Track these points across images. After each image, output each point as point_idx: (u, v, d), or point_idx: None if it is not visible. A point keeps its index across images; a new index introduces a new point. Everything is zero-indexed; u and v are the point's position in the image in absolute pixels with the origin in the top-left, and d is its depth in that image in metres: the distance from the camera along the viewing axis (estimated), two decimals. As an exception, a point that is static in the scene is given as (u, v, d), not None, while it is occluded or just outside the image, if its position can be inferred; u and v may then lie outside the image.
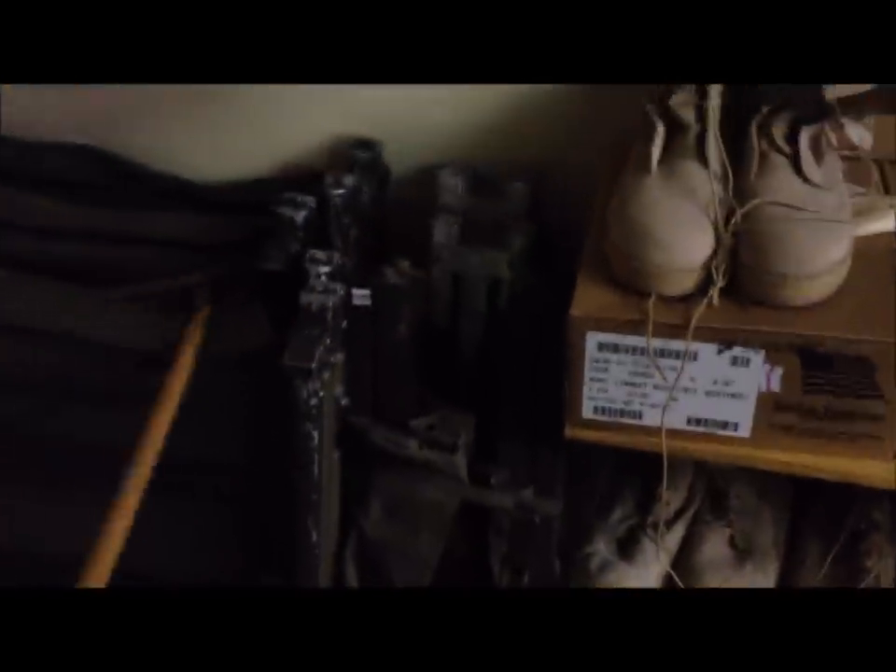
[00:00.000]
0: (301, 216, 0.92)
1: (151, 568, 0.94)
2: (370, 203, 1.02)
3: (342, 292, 0.85)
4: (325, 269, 0.88)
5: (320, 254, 0.89)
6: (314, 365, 0.81)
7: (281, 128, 1.08)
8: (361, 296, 0.88)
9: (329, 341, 0.84)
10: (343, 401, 0.90)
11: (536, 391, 0.88)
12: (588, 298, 0.77)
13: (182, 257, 1.04)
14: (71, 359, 0.97)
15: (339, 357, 0.87)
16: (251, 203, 1.04)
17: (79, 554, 0.73)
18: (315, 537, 0.87)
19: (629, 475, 0.96)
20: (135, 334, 0.99)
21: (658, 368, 0.74)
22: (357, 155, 1.01)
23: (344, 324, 0.87)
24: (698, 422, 0.78)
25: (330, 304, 0.84)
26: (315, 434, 0.84)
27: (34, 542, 0.96)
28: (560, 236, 0.97)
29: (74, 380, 0.97)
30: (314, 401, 0.83)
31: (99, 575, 0.70)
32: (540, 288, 0.92)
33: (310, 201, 0.94)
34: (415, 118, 1.05)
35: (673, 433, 0.78)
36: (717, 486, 0.96)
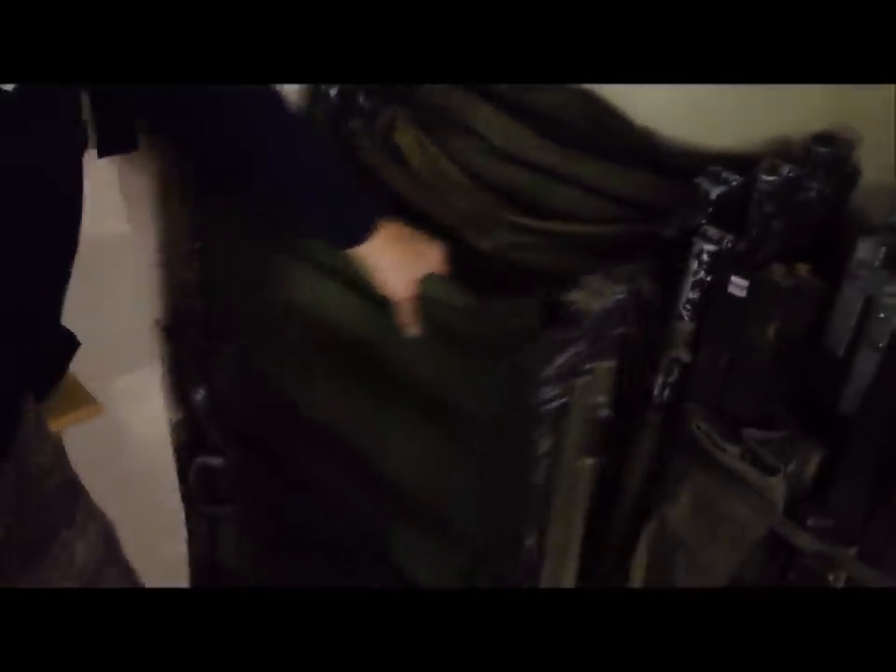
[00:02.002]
0: (716, 191, 0.89)
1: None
2: (816, 200, 0.94)
3: (619, 295, 0.80)
4: (710, 247, 0.84)
5: (713, 231, 0.85)
6: (550, 372, 0.77)
7: (774, 110, 1.03)
8: (738, 285, 0.83)
9: (586, 346, 0.78)
10: (603, 412, 0.84)
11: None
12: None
13: (620, 210, 1.07)
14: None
15: (604, 365, 0.81)
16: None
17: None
18: (528, 542, 0.85)
19: None
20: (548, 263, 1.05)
21: None
22: (815, 149, 0.94)
23: (621, 330, 0.81)
24: None
25: (595, 308, 0.79)
26: (546, 442, 0.81)
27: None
28: None
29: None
30: (548, 408, 0.80)
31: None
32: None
33: (734, 179, 0.90)
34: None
35: None
36: None
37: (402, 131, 1.14)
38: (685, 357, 0.88)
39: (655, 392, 0.89)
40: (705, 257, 0.85)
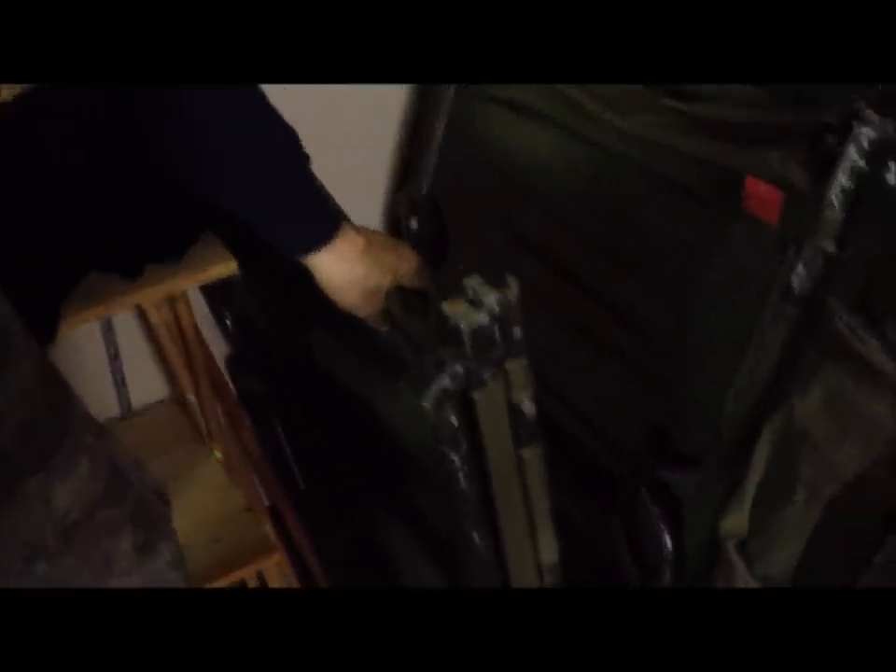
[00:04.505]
0: (881, 74, 0.84)
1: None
2: None
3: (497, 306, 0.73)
4: (871, 133, 0.80)
5: (874, 116, 0.81)
6: (427, 403, 0.73)
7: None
8: (899, 175, 0.79)
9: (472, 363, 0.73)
10: (526, 407, 0.77)
11: None
12: None
13: (771, 95, 1.02)
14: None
15: (516, 364, 0.75)
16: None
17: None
18: (477, 539, 0.84)
19: None
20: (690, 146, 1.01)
21: None
22: None
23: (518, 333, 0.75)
24: None
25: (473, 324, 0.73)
26: (455, 457, 0.77)
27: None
28: None
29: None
30: (447, 430, 0.76)
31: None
32: None
33: (901, 63, 0.85)
34: None
35: None
36: None
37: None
38: (831, 248, 0.84)
39: (795, 283, 0.87)
40: (864, 143, 0.80)
